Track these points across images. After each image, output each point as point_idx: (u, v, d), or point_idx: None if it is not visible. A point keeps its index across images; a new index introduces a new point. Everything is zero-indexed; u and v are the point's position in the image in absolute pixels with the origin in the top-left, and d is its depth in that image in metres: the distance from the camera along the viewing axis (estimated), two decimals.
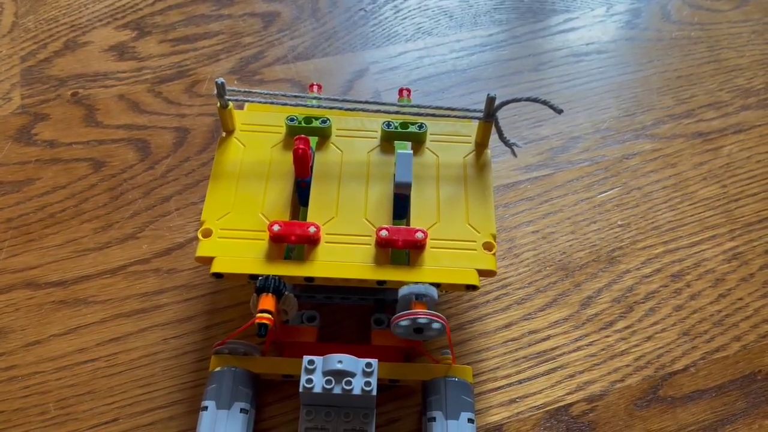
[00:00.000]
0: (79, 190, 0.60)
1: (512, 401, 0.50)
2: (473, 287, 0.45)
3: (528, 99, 0.48)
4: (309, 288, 0.50)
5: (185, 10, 0.74)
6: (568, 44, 0.74)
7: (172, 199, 0.60)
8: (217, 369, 0.46)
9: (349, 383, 0.43)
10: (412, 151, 0.49)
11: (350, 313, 0.54)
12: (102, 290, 0.54)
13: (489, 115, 0.50)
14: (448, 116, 0.51)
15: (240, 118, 0.53)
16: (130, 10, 0.74)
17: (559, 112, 0.47)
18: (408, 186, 0.48)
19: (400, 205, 0.50)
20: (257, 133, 0.52)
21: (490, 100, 0.48)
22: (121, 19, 0.73)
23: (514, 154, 0.52)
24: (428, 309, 0.44)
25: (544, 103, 0.48)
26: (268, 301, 0.43)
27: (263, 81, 0.69)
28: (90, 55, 0.70)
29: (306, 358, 0.44)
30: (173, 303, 0.54)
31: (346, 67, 0.70)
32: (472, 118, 0.51)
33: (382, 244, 0.46)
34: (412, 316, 0.43)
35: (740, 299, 0.56)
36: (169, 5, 0.74)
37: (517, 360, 0.52)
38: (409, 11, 0.76)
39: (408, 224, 0.49)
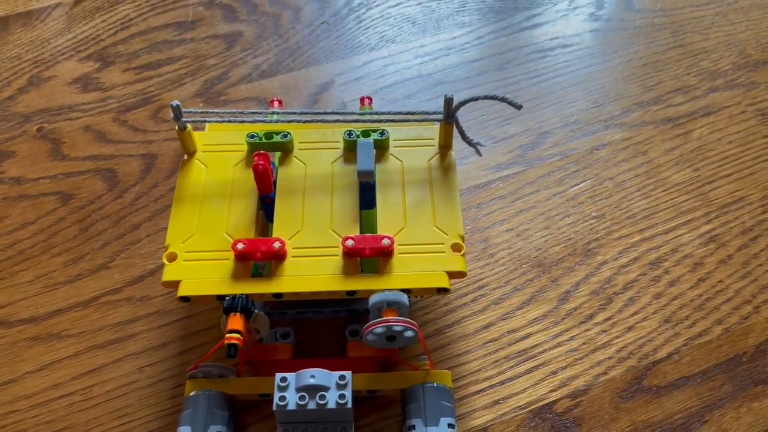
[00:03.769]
0: (48, 225, 0.59)
1: (495, 403, 0.50)
2: (444, 290, 0.45)
3: (486, 97, 0.48)
4: (280, 304, 0.50)
5: (147, 37, 0.74)
6: (532, 41, 0.74)
7: (142, 226, 0.59)
8: (192, 393, 0.46)
9: (323, 397, 0.42)
10: (372, 140, 0.49)
11: (327, 327, 0.53)
12: (74, 323, 0.54)
13: (449, 116, 0.49)
14: (409, 120, 0.50)
15: (201, 139, 0.52)
16: (93, 41, 0.74)
17: (519, 107, 0.47)
18: (370, 174, 0.47)
19: (367, 195, 0.49)
20: (219, 153, 0.52)
21: (448, 101, 0.48)
22: (83, 51, 0.73)
23: (479, 153, 0.51)
24: (401, 316, 0.43)
25: (503, 99, 0.47)
26: (236, 321, 0.43)
27: (229, 101, 0.68)
28: (54, 89, 0.70)
29: (278, 375, 0.43)
30: (147, 330, 0.53)
31: (312, 81, 0.70)
32: (432, 120, 0.50)
33: (349, 253, 0.45)
34: (381, 324, 0.42)
35: (720, 282, 0.55)
36: (132, 34, 0.74)
37: (498, 361, 0.52)
38: (372, 20, 0.76)
39: (376, 220, 0.48)
